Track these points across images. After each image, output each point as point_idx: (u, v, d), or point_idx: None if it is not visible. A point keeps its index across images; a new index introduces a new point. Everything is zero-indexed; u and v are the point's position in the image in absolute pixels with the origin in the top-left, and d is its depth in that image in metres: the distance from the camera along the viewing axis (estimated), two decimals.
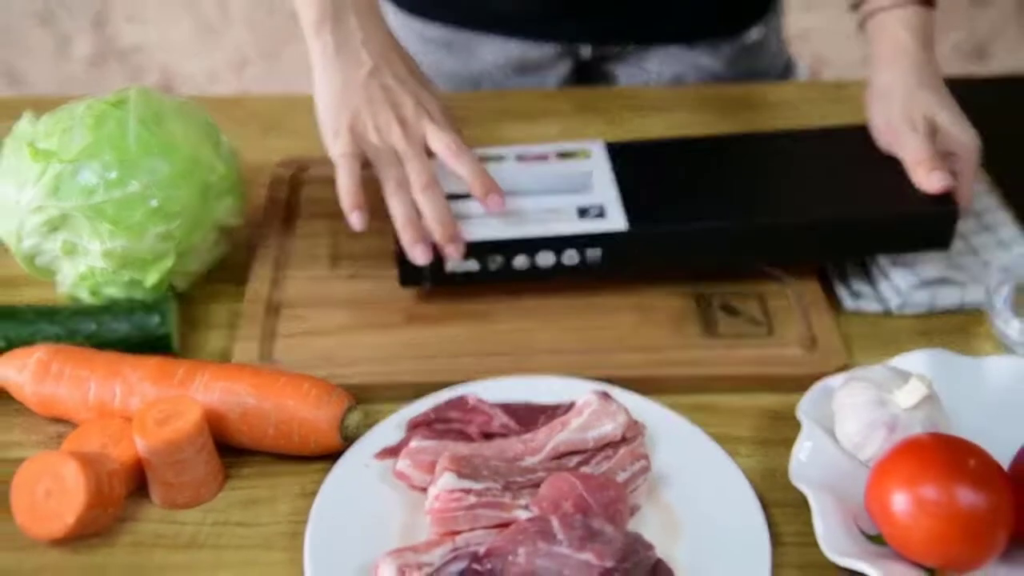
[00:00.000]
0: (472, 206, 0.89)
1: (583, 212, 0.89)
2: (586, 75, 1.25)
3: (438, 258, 0.87)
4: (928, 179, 0.87)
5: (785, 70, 1.28)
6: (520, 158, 0.95)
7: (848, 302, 0.91)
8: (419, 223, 0.87)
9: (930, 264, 0.91)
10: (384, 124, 0.90)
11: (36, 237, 0.85)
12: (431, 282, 0.89)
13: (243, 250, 0.95)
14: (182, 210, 0.86)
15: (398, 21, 1.23)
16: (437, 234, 0.86)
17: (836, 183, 0.92)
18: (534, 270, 0.88)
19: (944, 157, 0.89)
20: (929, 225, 0.89)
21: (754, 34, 1.22)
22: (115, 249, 0.84)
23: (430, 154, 0.90)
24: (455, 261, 0.87)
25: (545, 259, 0.88)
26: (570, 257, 0.88)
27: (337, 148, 0.89)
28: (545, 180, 0.93)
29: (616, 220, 0.88)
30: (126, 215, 0.84)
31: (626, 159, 0.95)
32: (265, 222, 0.98)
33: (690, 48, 1.20)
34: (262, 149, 1.07)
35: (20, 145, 0.85)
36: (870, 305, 0.91)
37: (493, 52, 1.20)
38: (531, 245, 0.87)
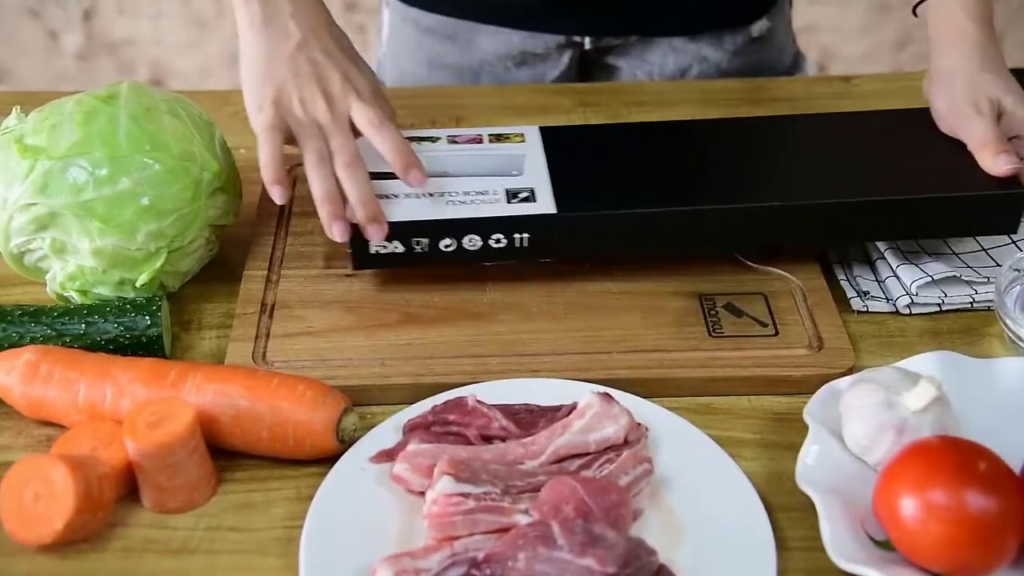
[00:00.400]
0: (398, 186, 0.88)
1: (512, 195, 0.88)
2: (588, 67, 1.25)
3: (363, 239, 0.85)
4: (995, 162, 0.87)
5: (793, 64, 1.27)
6: (452, 139, 0.94)
7: (856, 302, 0.90)
8: (339, 199, 0.85)
9: (939, 262, 0.91)
10: (309, 98, 0.88)
11: (24, 236, 0.84)
12: (354, 265, 0.87)
13: (236, 249, 0.94)
14: (174, 208, 0.85)
15: (398, 11, 1.22)
16: (358, 213, 0.84)
17: (832, 168, 0.92)
18: (461, 252, 0.87)
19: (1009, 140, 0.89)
20: (996, 208, 0.88)
21: (760, 27, 1.21)
22: (105, 248, 0.83)
23: (357, 133, 0.89)
24: (378, 242, 0.85)
25: (472, 242, 0.87)
26: (497, 240, 0.87)
27: (260, 122, 0.88)
28: (476, 162, 0.92)
29: (545, 204, 0.87)
30: (116, 213, 0.83)
31: (561, 144, 0.94)
32: (259, 220, 0.97)
33: (693, 40, 1.20)
34: (256, 146, 1.05)
35: (8, 141, 0.85)
36: (878, 305, 0.90)
37: (494, 43, 1.20)
38: (457, 227, 0.86)
